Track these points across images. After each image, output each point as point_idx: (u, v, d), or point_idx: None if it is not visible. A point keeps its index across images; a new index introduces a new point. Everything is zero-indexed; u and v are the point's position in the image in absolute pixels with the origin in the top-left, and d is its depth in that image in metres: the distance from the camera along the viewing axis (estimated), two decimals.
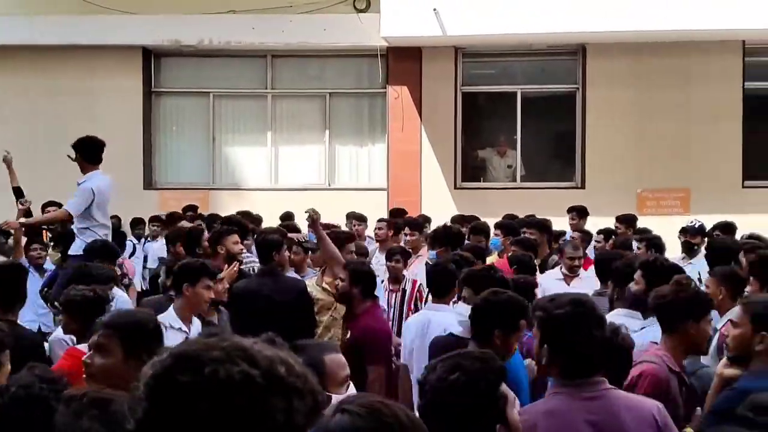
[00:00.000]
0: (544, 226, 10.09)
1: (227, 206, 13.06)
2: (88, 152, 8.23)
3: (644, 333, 5.07)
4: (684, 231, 9.64)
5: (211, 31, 14.33)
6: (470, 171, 14.83)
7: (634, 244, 8.83)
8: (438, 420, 2.62)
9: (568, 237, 10.35)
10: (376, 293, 6.50)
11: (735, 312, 4.02)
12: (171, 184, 15.03)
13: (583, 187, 14.14)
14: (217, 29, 14.29)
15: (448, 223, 10.01)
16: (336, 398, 1.92)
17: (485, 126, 15.27)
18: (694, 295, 4.40)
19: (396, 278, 7.99)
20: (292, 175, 15.03)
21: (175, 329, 5.30)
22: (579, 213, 11.51)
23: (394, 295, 7.89)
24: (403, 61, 14.25)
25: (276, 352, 1.39)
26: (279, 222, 10.79)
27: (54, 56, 14.45)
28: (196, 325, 5.55)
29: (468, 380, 2.73)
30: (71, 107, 14.37)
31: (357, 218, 11.82)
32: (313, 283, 7.02)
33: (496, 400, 2.76)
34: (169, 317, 5.32)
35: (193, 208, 12.66)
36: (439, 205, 13.53)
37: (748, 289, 5.17)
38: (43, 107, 14.51)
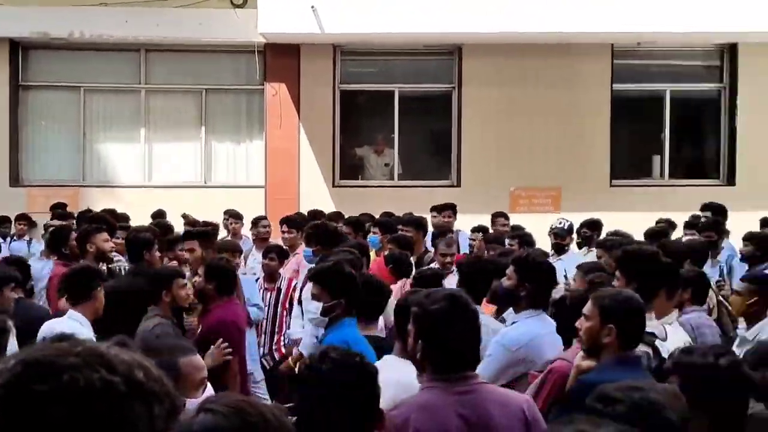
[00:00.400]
0: (420, 223, 10.18)
1: (98, 204, 12.69)
2: None
3: (517, 327, 5.19)
4: (554, 233, 9.88)
5: (82, 23, 13.88)
6: (348, 169, 14.86)
7: (507, 241, 9.02)
8: None
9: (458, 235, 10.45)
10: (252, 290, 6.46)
11: (587, 305, 4.13)
12: (39, 181, 14.50)
13: (459, 185, 14.36)
14: (89, 22, 13.85)
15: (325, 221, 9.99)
16: (191, 402, 1.86)
17: (363, 124, 15.33)
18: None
19: (271, 276, 7.93)
20: (167, 172, 14.72)
21: None
22: (454, 211, 11.63)
23: (269, 293, 7.84)
24: (281, 58, 14.16)
25: (132, 357, 1.33)
26: (151, 220, 10.54)
27: None
28: None
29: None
30: None
31: (234, 216, 11.70)
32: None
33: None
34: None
35: (61, 205, 12.21)
36: (317, 203, 13.46)
37: (615, 283, 5.33)
38: None
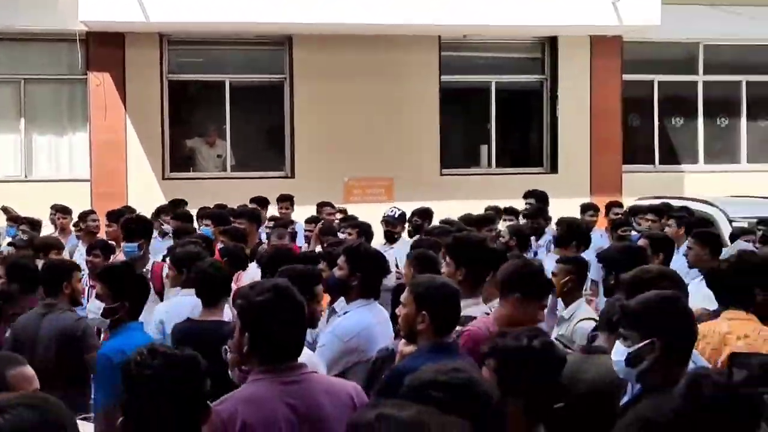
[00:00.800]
0: (253, 215, 10.13)
1: None
2: None
3: (349, 317, 5.23)
4: (385, 220, 10.01)
5: None
6: (179, 161, 14.54)
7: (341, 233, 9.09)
8: None
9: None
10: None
11: (404, 293, 4.24)
12: None
13: (293, 176, 14.33)
14: None
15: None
16: None
17: (194, 115, 15.06)
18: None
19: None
20: None
21: None
22: (291, 202, 11.63)
23: (94, 290, 7.58)
24: (105, 47, 13.69)
25: None
26: None
27: None
28: None
29: None
30: None
31: (61, 210, 11.24)
32: None
33: None
34: None
35: None
36: (147, 195, 13.14)
37: (444, 270, 5.45)
38: None
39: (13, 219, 10.87)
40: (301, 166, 14.32)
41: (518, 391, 3.12)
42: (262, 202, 11.64)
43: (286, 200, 11.89)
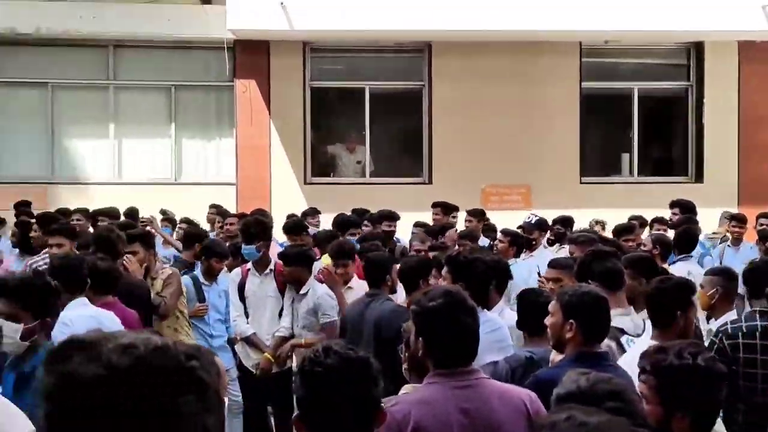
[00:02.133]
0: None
1: (67, 201, 12.56)
2: None
3: None
4: (522, 228, 9.93)
5: (49, 18, 13.75)
6: (320, 166, 14.85)
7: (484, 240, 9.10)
8: None
9: None
10: None
11: (552, 302, 4.22)
12: (7, 178, 14.30)
13: (430, 182, 14.40)
14: (56, 17, 13.73)
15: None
16: None
17: (334, 121, 15.33)
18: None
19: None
20: (137, 168, 14.61)
21: None
22: (444, 208, 11.54)
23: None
24: (251, 55, 14.11)
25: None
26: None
27: None
28: None
29: None
30: None
31: (221, 213, 11.59)
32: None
33: None
34: None
35: (25, 203, 11.96)
36: (289, 200, 13.47)
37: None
38: None
39: (170, 220, 11.31)
40: (438, 172, 14.38)
41: (684, 408, 3.12)
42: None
43: (437, 206, 11.70)
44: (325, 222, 11.24)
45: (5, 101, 14.60)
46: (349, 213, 11.03)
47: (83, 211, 10.30)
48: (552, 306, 4.20)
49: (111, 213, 10.57)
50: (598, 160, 15.22)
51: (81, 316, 5.24)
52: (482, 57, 14.22)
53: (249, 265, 7.28)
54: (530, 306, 4.86)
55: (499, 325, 5.14)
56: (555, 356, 4.25)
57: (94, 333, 1.28)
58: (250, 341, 7.04)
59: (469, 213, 10.89)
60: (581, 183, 14.53)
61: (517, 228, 10.07)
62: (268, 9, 12.78)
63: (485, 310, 5.22)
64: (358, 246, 7.98)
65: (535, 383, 3.91)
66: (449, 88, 14.36)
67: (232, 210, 12.38)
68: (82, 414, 1.18)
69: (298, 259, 6.84)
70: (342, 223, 9.83)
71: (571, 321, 4.05)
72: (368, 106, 14.65)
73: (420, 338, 3.46)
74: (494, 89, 14.31)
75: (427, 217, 11.06)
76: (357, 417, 2.74)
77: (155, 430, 1.19)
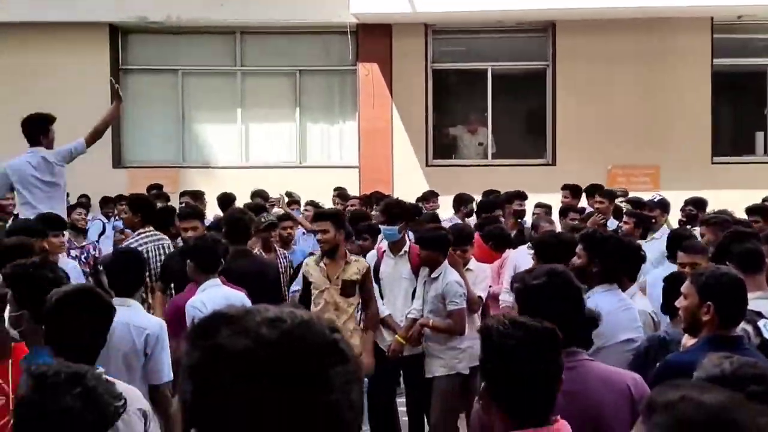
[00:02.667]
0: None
1: (197, 184, 12.95)
2: (23, 131, 8.14)
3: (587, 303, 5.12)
4: (643, 205, 9.66)
5: (178, 7, 14.16)
6: (441, 148, 14.83)
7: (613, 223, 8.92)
8: None
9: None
10: None
11: (685, 284, 4.07)
12: (140, 163, 14.87)
13: (554, 163, 14.20)
14: (185, 5, 14.12)
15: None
16: None
17: (456, 103, 15.26)
18: None
19: (364, 256, 7.97)
20: (263, 152, 14.94)
21: None
22: (572, 191, 11.39)
23: None
24: (373, 38, 14.19)
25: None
26: (249, 199, 10.71)
27: (20, 34, 14.20)
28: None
29: None
30: (38, 86, 14.12)
31: (341, 196, 11.75)
32: (312, 261, 6.89)
33: None
34: None
35: (157, 186, 12.41)
36: (411, 182, 13.53)
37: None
38: (9, 86, 14.24)
39: (296, 203, 11.52)
40: (562, 153, 14.15)
41: None
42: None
43: (566, 188, 11.51)
44: (446, 204, 11.23)
45: (137, 88, 15.12)
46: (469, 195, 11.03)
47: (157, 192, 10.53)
48: (686, 288, 4.06)
49: (196, 194, 10.89)
50: (731, 139, 14.67)
51: (213, 298, 5.41)
52: (609, 35, 13.89)
53: (384, 246, 7.28)
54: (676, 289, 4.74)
55: (630, 306, 5.04)
56: (687, 340, 4.12)
57: (237, 308, 1.30)
58: (385, 322, 7.04)
59: (600, 194, 10.68)
60: (713, 163, 14.04)
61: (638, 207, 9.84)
62: None
63: (618, 289, 5.15)
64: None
65: (665, 368, 3.81)
66: (574, 68, 14.10)
67: (355, 193, 12.52)
68: (233, 386, 1.19)
69: (435, 242, 6.82)
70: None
71: (708, 303, 3.91)
72: (490, 87, 14.54)
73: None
74: (621, 68, 13.96)
75: (549, 199, 10.89)
76: (543, 388, 2.73)
77: (307, 402, 1.20)
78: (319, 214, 7.13)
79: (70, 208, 9.00)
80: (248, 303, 5.32)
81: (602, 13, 13.27)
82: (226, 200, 10.75)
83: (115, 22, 14.54)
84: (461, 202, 10.89)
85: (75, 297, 3.73)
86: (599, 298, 5.04)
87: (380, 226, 7.26)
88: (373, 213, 9.74)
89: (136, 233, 7.48)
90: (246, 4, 14.00)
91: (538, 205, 10.23)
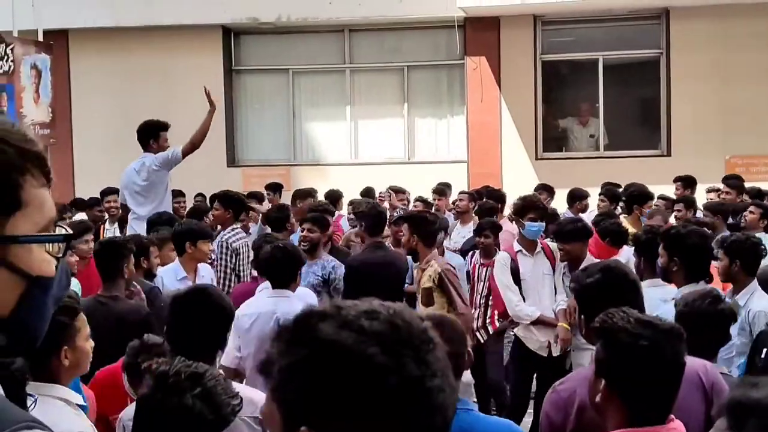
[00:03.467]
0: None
1: (308, 182, 13.12)
2: (138, 138, 8.43)
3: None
4: (763, 195, 9.29)
5: (288, 7, 14.39)
6: (551, 141, 14.63)
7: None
8: None
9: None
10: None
11: None
12: (253, 161, 15.19)
13: (669, 154, 13.83)
14: (295, 5, 14.34)
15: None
16: None
17: (566, 95, 15.02)
18: None
19: (487, 251, 7.92)
20: (372, 149, 15.04)
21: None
22: (684, 183, 11.12)
23: (485, 269, 7.83)
24: (481, 31, 14.10)
25: None
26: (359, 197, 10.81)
27: (134, 38, 14.68)
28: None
29: None
30: (152, 88, 14.60)
31: (437, 192, 11.73)
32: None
33: None
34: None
35: (277, 186, 12.50)
36: (521, 176, 13.40)
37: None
38: (124, 89, 14.75)
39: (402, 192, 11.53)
40: (678, 143, 13.77)
41: None
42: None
43: (678, 180, 11.26)
44: (560, 198, 11.09)
45: (250, 88, 15.45)
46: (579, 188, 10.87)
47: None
48: None
49: (309, 192, 10.95)
50: None
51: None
52: (725, 21, 13.43)
53: (516, 246, 7.04)
54: None
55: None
56: None
57: (324, 305, 1.35)
58: (539, 321, 6.91)
59: (724, 182, 10.39)
60: None
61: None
62: None
63: (707, 286, 4.98)
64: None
65: None
66: (689, 55, 13.68)
67: (465, 187, 12.47)
68: (348, 380, 1.23)
69: (577, 234, 6.72)
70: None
71: None
72: (602, 77, 14.25)
73: (582, 316, 3.42)
74: (738, 54, 13.48)
75: (665, 191, 10.63)
76: (667, 387, 2.71)
77: (417, 388, 1.24)
78: (399, 217, 7.12)
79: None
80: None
81: None
82: (333, 197, 10.87)
83: (227, 23, 14.87)
84: (575, 197, 10.73)
85: (194, 297, 3.84)
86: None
87: (526, 222, 7.03)
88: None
89: (229, 229, 7.61)
90: (354, 1, 14.12)
91: (660, 197, 9.98)
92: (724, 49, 13.49)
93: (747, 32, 13.43)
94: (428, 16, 14.16)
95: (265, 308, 5.17)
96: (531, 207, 6.98)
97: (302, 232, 7.12)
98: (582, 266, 6.60)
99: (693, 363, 3.44)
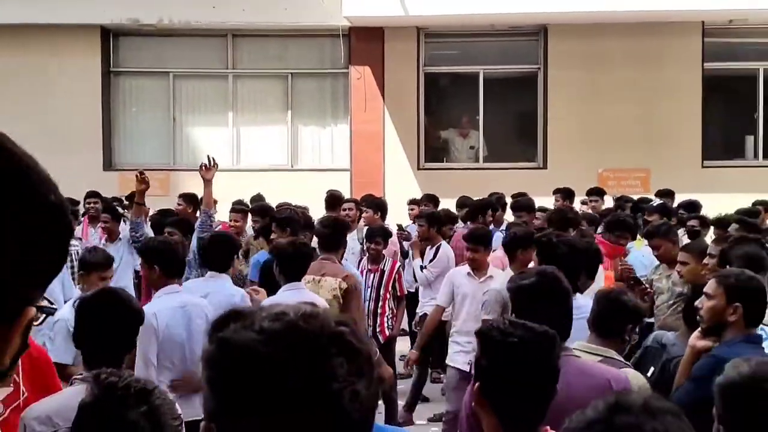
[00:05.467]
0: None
1: (188, 187, 12.84)
2: None
3: None
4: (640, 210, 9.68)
5: (170, 9, 14.14)
6: (433, 152, 14.84)
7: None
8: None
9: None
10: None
11: (709, 284, 4.12)
12: (131, 165, 14.80)
13: (545, 167, 14.22)
14: (177, 8, 14.10)
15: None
16: None
17: (448, 107, 15.28)
18: None
19: (375, 258, 7.98)
20: (255, 155, 14.92)
21: None
22: (564, 194, 11.44)
23: (372, 275, 7.89)
24: (366, 41, 14.20)
25: None
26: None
27: (12, 35, 14.17)
28: None
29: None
30: (29, 87, 14.12)
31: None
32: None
33: None
34: None
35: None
36: (402, 185, 13.54)
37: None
38: (2, 89, 14.19)
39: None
40: (553, 156, 14.18)
41: None
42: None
43: (557, 192, 11.54)
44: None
45: (129, 90, 15.11)
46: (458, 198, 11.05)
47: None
48: (712, 289, 4.14)
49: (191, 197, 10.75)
50: (721, 143, 14.72)
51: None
52: (600, 39, 13.93)
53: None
54: None
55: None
56: (697, 342, 4.19)
57: (252, 306, 1.36)
58: None
59: (588, 193, 10.70)
60: (703, 167, 14.09)
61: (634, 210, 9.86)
62: None
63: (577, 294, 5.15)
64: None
65: (712, 363, 3.85)
66: (565, 71, 14.13)
67: (348, 196, 12.49)
68: (238, 376, 1.25)
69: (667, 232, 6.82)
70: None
71: (736, 304, 4.05)
72: (482, 90, 14.56)
73: (513, 315, 3.53)
74: (612, 72, 14.00)
75: (541, 203, 10.91)
76: (537, 392, 2.73)
77: (306, 391, 1.24)
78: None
79: None
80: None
81: (594, 17, 13.31)
82: (334, 200, 10.78)
83: (106, 24, 14.51)
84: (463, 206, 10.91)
85: (102, 299, 3.77)
86: None
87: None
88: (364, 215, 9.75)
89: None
90: (238, 6, 13.98)
91: (539, 209, 10.26)
92: (598, 65, 13.99)
93: (619, 50, 13.96)
94: (313, 24, 14.16)
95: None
96: None
97: None
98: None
99: (606, 371, 3.57)
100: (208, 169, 8.19)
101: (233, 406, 1.26)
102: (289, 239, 6.51)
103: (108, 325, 3.61)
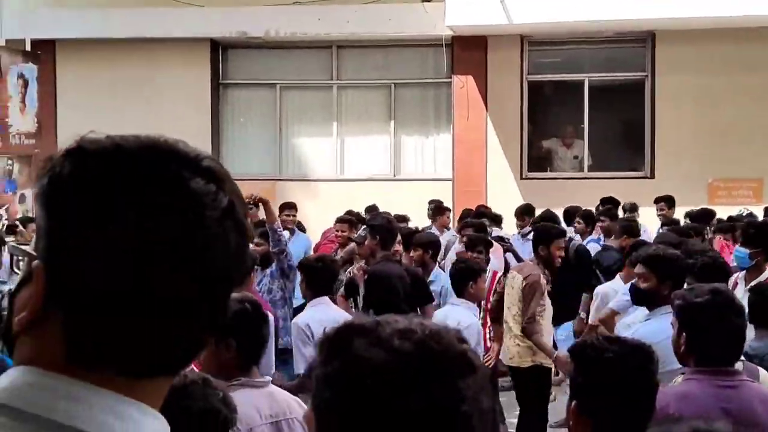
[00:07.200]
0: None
1: (294, 197, 13.10)
2: None
3: (649, 324, 4.93)
4: (731, 219, 9.40)
5: (277, 22, 14.42)
6: (536, 161, 14.71)
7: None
8: None
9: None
10: None
11: None
12: (239, 175, 15.10)
13: (652, 176, 13.92)
14: (283, 20, 14.37)
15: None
16: None
17: (551, 115, 15.11)
18: None
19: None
20: (358, 165, 15.07)
21: None
22: (668, 203, 11.27)
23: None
24: (469, 50, 14.17)
25: None
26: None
27: (122, 49, 14.66)
28: None
29: None
30: (139, 100, 14.59)
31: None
32: None
33: None
34: None
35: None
36: (505, 195, 13.45)
37: None
38: (110, 100, 14.69)
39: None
40: (661, 165, 13.87)
41: None
42: (614, 202, 11.46)
43: (660, 200, 11.41)
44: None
45: (237, 102, 15.48)
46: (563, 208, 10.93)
47: None
48: None
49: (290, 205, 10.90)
50: None
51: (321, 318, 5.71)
52: (709, 44, 13.56)
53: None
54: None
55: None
56: None
57: (367, 319, 1.37)
58: None
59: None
60: None
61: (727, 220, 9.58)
62: (486, 4, 12.80)
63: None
64: None
65: None
66: (674, 79, 13.81)
67: (450, 205, 12.52)
68: (373, 398, 1.25)
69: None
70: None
71: None
72: (587, 98, 14.35)
73: (683, 333, 3.42)
74: (722, 78, 13.61)
75: (649, 213, 10.71)
76: (634, 404, 2.71)
77: (442, 414, 1.24)
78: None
79: None
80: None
81: (703, 23, 12.97)
82: (438, 209, 10.95)
83: (215, 37, 14.90)
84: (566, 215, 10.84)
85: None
86: (660, 321, 4.85)
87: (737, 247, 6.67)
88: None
89: None
90: (342, 18, 14.17)
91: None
92: (707, 72, 13.62)
93: (730, 55, 13.56)
94: (416, 34, 14.23)
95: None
96: None
97: None
98: None
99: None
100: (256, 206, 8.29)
101: (360, 426, 1.26)
102: (319, 255, 6.59)
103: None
